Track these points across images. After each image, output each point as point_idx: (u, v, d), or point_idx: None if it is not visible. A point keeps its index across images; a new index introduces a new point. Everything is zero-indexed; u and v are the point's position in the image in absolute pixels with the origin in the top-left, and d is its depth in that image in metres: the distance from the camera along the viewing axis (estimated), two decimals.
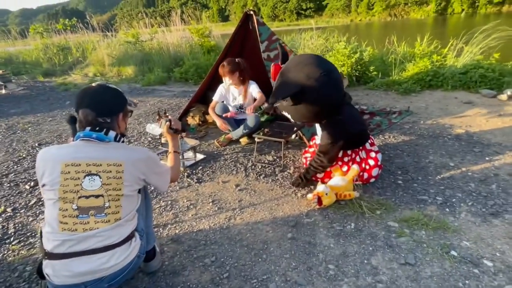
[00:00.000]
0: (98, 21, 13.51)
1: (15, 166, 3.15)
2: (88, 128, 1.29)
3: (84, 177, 1.24)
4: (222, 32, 11.55)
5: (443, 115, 3.73)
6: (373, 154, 2.33)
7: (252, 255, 1.72)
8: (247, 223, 2.01)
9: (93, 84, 1.41)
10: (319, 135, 2.39)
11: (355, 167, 2.21)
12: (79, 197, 1.22)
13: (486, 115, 3.58)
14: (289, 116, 2.30)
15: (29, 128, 4.41)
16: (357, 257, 1.65)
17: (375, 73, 5.34)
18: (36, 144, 3.71)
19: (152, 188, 2.51)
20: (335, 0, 59.81)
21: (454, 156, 2.67)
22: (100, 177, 1.25)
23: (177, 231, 1.98)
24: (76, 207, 1.22)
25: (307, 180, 2.35)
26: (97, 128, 1.29)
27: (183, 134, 3.05)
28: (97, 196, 1.24)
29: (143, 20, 11.38)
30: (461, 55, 5.15)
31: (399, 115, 3.75)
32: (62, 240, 1.20)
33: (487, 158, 2.59)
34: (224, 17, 79.83)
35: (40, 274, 1.33)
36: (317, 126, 2.46)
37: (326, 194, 2.06)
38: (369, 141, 2.35)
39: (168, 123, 1.72)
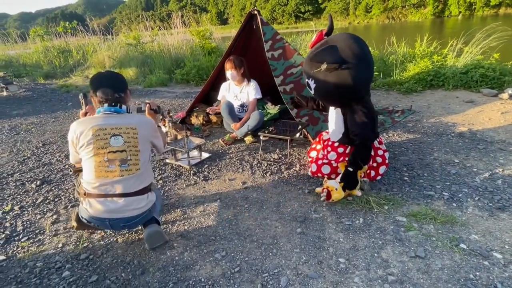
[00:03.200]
0: (98, 24, 13.56)
1: (20, 166, 3.15)
2: (106, 105, 1.71)
3: (110, 137, 1.63)
4: (221, 34, 11.60)
5: (445, 113, 3.76)
6: (380, 152, 2.35)
7: (262, 250, 1.73)
8: (255, 219, 2.02)
9: (102, 71, 1.84)
10: (334, 128, 2.35)
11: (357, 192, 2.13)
12: (108, 152, 1.62)
13: (488, 113, 3.61)
14: (312, 87, 2.21)
15: (32, 129, 4.41)
16: (367, 250, 1.66)
17: (376, 73, 5.37)
18: (40, 144, 3.72)
19: (159, 185, 2.52)
20: (333, 3, 60.16)
21: (459, 153, 2.69)
22: (122, 137, 1.65)
23: (186, 227, 1.98)
24: (106, 159, 1.61)
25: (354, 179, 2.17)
26: (113, 104, 1.71)
27: (188, 133, 3.07)
28: (121, 151, 1.64)
29: (143, 23, 11.45)
30: (461, 56, 5.19)
31: (402, 114, 3.78)
32: (98, 184, 1.61)
33: (491, 155, 2.61)
34: (223, 20, 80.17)
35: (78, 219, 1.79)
36: (331, 119, 2.40)
37: (336, 189, 2.07)
38: (377, 139, 2.37)
39: (148, 105, 2.06)
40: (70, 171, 2.92)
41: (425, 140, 3.03)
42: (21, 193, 2.60)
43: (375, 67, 5.40)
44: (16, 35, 14.61)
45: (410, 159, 2.65)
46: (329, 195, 2.04)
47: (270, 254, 1.70)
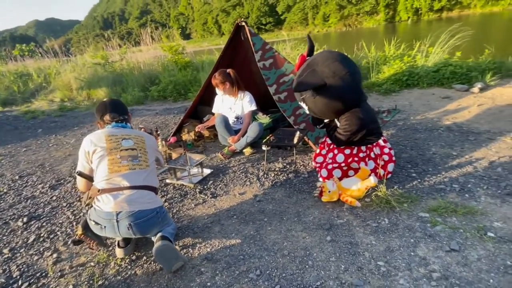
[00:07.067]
0: (52, 46, 12.87)
1: None
2: (113, 123, 1.93)
3: (122, 140, 1.84)
4: (193, 49, 11.52)
5: (428, 110, 3.96)
6: (386, 150, 2.40)
7: (297, 263, 1.66)
8: (279, 232, 1.95)
9: (105, 100, 2.05)
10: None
11: (372, 180, 2.12)
12: (121, 150, 1.80)
13: (466, 107, 3.85)
14: (305, 108, 2.37)
15: (2, 161, 4.01)
16: (403, 250, 1.66)
17: None
18: (17, 177, 3.37)
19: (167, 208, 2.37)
20: (293, 14, 62.45)
21: (454, 146, 2.82)
22: (132, 140, 1.86)
23: (208, 249, 1.86)
24: (119, 156, 1.78)
25: (315, 124, 2.59)
26: (119, 122, 1.95)
27: (186, 150, 2.95)
28: (132, 149, 1.83)
29: (103, 42, 11.07)
30: (430, 56, 5.56)
31: (389, 114, 3.93)
32: (111, 178, 1.72)
33: (483, 145, 2.77)
34: (185, 35, 79.82)
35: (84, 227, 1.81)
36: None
37: (329, 191, 2.14)
38: (382, 138, 2.42)
39: (143, 129, 2.56)
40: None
41: (419, 136, 3.16)
42: (6, 233, 2.32)
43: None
44: None
45: (412, 156, 2.74)
46: (320, 194, 2.20)
47: (307, 266, 1.63)
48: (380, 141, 2.43)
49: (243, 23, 3.31)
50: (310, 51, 2.45)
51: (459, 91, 4.51)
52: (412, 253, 1.63)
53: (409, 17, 46.65)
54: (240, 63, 3.86)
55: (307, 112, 2.44)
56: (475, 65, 5.05)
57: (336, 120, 2.40)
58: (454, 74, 4.85)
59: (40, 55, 11.54)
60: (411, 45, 6.19)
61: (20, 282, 1.77)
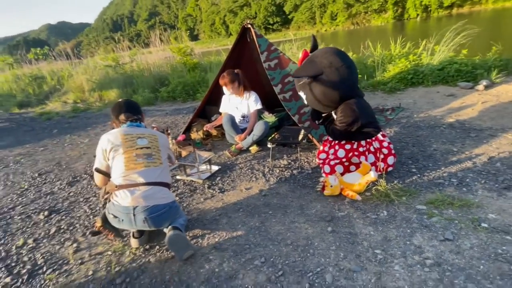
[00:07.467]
0: (64, 48, 13.24)
1: (20, 198, 3.01)
2: (128, 122, 2.04)
3: (137, 138, 1.95)
4: (200, 50, 11.70)
5: (432, 108, 4.01)
6: (385, 144, 2.49)
7: (299, 252, 1.77)
8: (283, 223, 2.06)
9: (120, 100, 2.18)
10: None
11: (372, 175, 2.21)
12: (136, 148, 1.91)
13: (470, 104, 3.89)
14: (304, 97, 2.51)
15: (22, 160, 4.22)
16: (399, 239, 1.75)
17: (360, 76, 5.63)
18: (36, 175, 3.57)
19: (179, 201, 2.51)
20: (300, 13, 62.28)
21: (455, 143, 2.89)
22: (147, 139, 1.98)
23: (216, 239, 1.99)
24: (135, 155, 1.90)
25: (314, 118, 2.69)
26: (134, 121, 2.06)
27: (195, 148, 3.08)
28: (147, 148, 1.95)
29: (112, 44, 11.37)
30: (435, 54, 5.58)
31: (393, 112, 3.99)
32: (128, 174, 1.84)
33: (484, 141, 2.83)
34: (193, 37, 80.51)
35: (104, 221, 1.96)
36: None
37: (331, 186, 2.24)
38: (381, 133, 2.51)
39: (155, 128, 2.62)
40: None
41: (421, 133, 3.23)
42: (29, 225, 2.49)
43: (358, 70, 5.67)
44: None
45: (413, 152, 2.81)
46: (323, 188, 2.31)
47: (308, 254, 1.74)
48: (379, 136, 2.52)
49: (249, 25, 3.43)
50: (313, 48, 2.58)
51: (464, 88, 4.53)
52: (408, 242, 1.72)
53: (418, 15, 45.98)
54: (246, 64, 3.98)
55: (306, 102, 2.57)
56: (481, 62, 5.06)
57: (333, 113, 2.51)
58: (459, 72, 4.87)
59: (53, 58, 11.89)
60: (418, 43, 6.22)
61: (45, 268, 1.93)
